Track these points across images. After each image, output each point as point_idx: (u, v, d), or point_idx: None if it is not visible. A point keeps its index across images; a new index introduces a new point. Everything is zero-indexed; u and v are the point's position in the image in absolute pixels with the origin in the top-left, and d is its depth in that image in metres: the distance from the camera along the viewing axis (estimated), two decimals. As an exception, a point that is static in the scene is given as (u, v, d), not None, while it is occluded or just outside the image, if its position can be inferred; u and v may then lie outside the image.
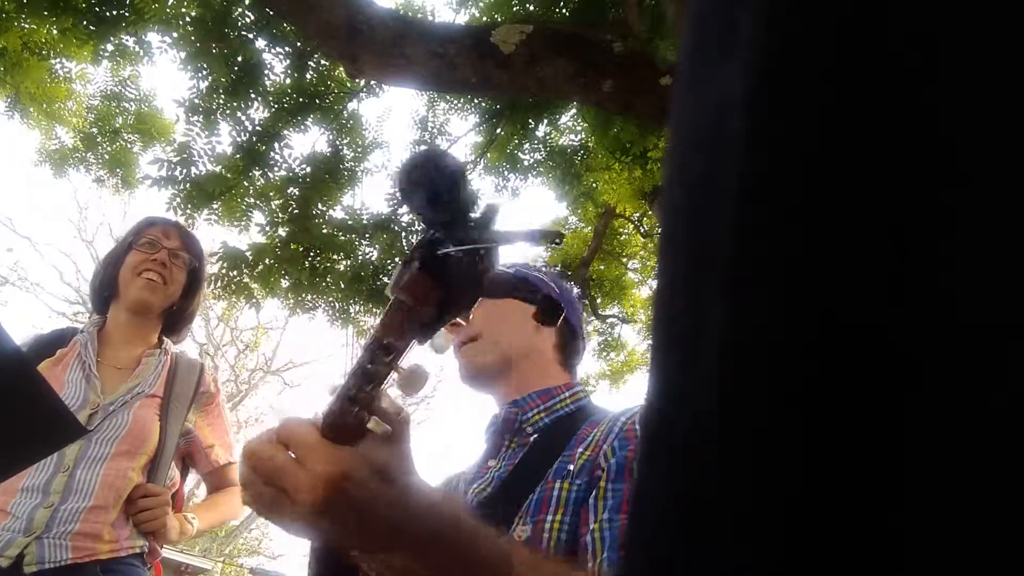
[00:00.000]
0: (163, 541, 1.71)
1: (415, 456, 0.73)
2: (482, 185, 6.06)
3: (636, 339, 8.44)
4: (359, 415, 0.66)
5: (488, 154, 5.78)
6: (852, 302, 0.18)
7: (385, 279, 5.30)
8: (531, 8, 5.07)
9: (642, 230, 7.37)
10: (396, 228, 5.29)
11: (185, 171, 4.60)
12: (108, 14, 4.37)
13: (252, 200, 5.03)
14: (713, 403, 0.19)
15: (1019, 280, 0.17)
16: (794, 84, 0.18)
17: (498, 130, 5.62)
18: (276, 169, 5.02)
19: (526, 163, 5.88)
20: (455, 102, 5.66)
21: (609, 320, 8.14)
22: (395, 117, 13.01)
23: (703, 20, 0.21)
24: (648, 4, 4.61)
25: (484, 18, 5.21)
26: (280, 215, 5.10)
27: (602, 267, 7.48)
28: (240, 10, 4.47)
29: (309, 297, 5.33)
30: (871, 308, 0.18)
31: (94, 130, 5.27)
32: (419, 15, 5.11)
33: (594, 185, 5.97)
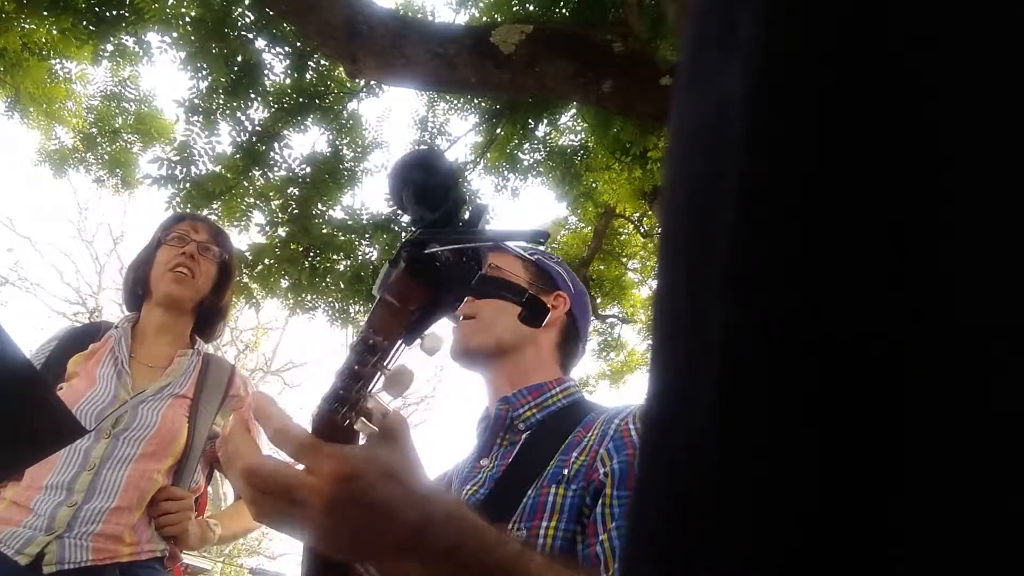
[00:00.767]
0: (183, 546, 1.69)
1: (420, 459, 0.73)
2: (482, 185, 6.06)
3: (636, 339, 8.44)
4: (346, 416, 0.65)
5: (488, 154, 5.78)
6: (852, 302, 0.18)
7: (385, 279, 5.29)
8: (531, 8, 5.07)
9: (642, 230, 7.37)
10: (396, 228, 5.29)
11: (185, 171, 4.60)
12: (108, 14, 4.37)
13: (252, 200, 5.04)
14: (713, 403, 0.19)
15: (1019, 280, 0.17)
16: (794, 84, 0.18)
17: (498, 130, 5.62)
18: (276, 169, 5.03)
19: (526, 163, 5.88)
20: (455, 102, 5.66)
21: (609, 320, 8.14)
22: (395, 117, 13.05)
23: (703, 20, 0.21)
24: (648, 4, 4.61)
25: (484, 18, 5.20)
26: (280, 215, 5.10)
27: (602, 267, 7.48)
28: (240, 10, 4.47)
29: (309, 297, 5.33)
30: (871, 308, 0.18)
31: (94, 130, 5.27)
32: (419, 15, 5.11)
33: (594, 185, 5.97)
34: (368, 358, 0.64)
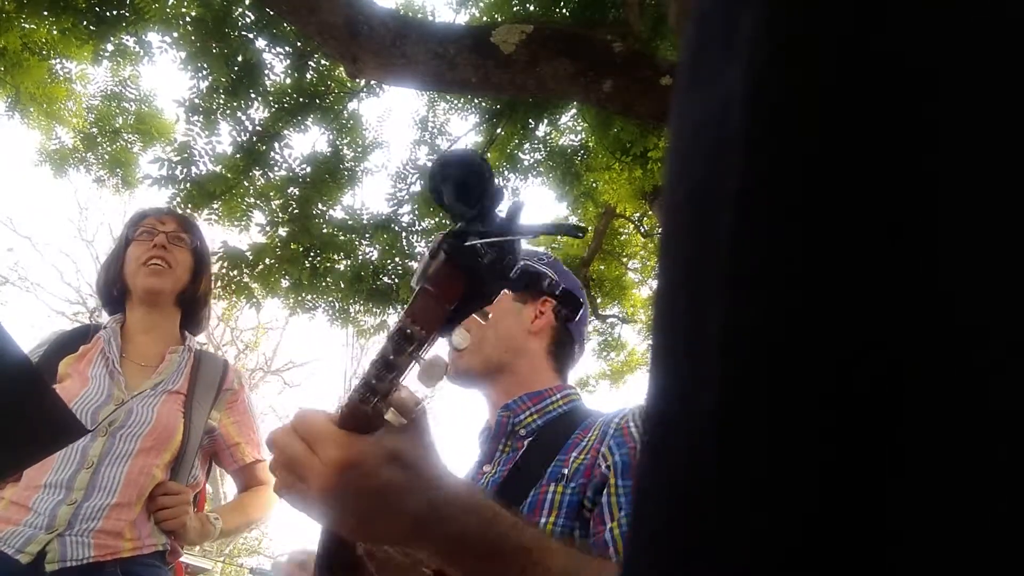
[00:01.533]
0: (183, 541, 1.69)
1: (436, 443, 0.73)
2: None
3: (636, 339, 8.44)
4: (377, 406, 0.67)
5: (488, 154, 5.77)
6: (851, 303, 0.18)
7: (385, 279, 5.30)
8: (531, 8, 5.07)
9: (642, 230, 7.37)
10: (396, 228, 5.29)
11: (185, 171, 4.60)
12: (108, 14, 4.37)
13: (252, 200, 5.03)
14: (713, 403, 0.19)
15: (1019, 281, 0.17)
16: (795, 84, 0.18)
17: (498, 130, 5.62)
18: (276, 169, 5.02)
19: (526, 163, 5.87)
20: (455, 102, 5.65)
21: (609, 320, 8.14)
22: (395, 117, 13.03)
23: (704, 20, 0.21)
24: (648, 4, 4.61)
25: (484, 18, 5.20)
26: (280, 215, 5.10)
27: (602, 267, 7.48)
28: (240, 10, 4.47)
29: (309, 297, 5.33)
30: (870, 309, 0.18)
31: (94, 130, 5.27)
32: (419, 15, 5.11)
33: (594, 185, 5.97)
34: (405, 347, 0.65)
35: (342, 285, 5.25)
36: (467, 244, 0.63)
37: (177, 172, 4.59)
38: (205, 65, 4.43)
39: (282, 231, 5.09)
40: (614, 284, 7.62)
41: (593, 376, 8.65)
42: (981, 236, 0.18)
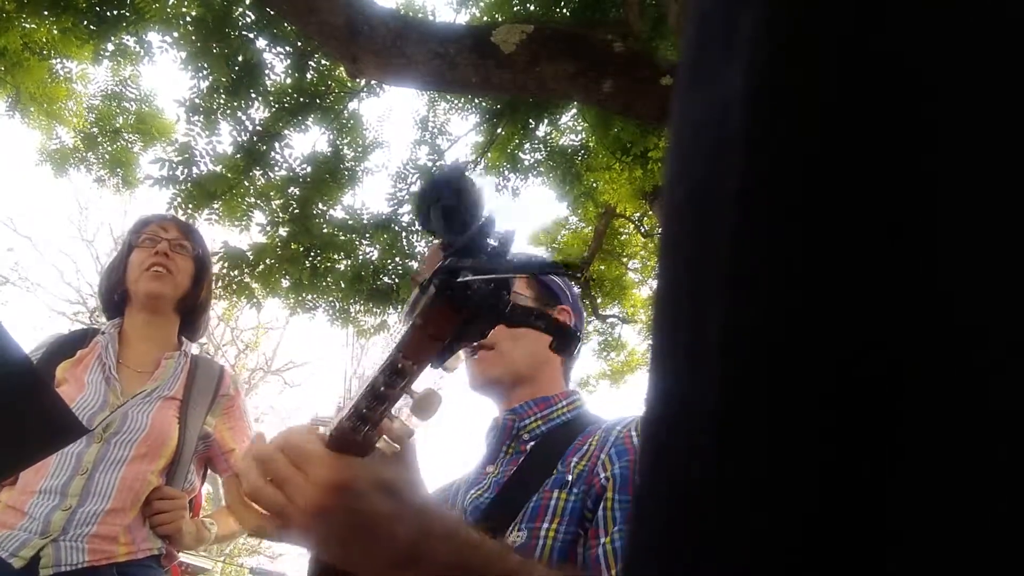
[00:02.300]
0: (178, 546, 1.70)
1: (423, 474, 0.73)
2: (482, 185, 6.05)
3: (636, 339, 8.45)
4: (368, 435, 0.66)
5: (488, 154, 5.78)
6: (851, 303, 0.18)
7: (385, 279, 5.30)
8: (532, 8, 5.07)
9: (642, 230, 7.37)
10: (396, 228, 5.29)
11: (186, 171, 4.60)
12: (108, 14, 4.37)
13: (253, 200, 5.03)
14: (713, 403, 0.19)
15: (1018, 281, 0.17)
16: (795, 84, 0.18)
17: (498, 130, 5.62)
18: (276, 169, 5.02)
19: (526, 163, 5.88)
20: (455, 102, 5.66)
21: (609, 320, 8.14)
22: (396, 117, 13.03)
23: (704, 20, 0.21)
24: (649, 4, 4.61)
25: (485, 18, 5.21)
26: (280, 215, 5.10)
27: (602, 267, 7.49)
28: (241, 10, 4.47)
29: (309, 297, 5.33)
30: (870, 309, 0.18)
31: (94, 130, 5.27)
32: (419, 15, 5.11)
33: (594, 185, 5.97)
34: (396, 381, 0.64)
35: (342, 285, 5.25)
36: (460, 281, 0.62)
37: (178, 172, 4.59)
38: (205, 65, 4.43)
39: (282, 231, 5.09)
40: (614, 284, 7.62)
41: (593, 376, 8.65)
42: (980, 236, 0.18)
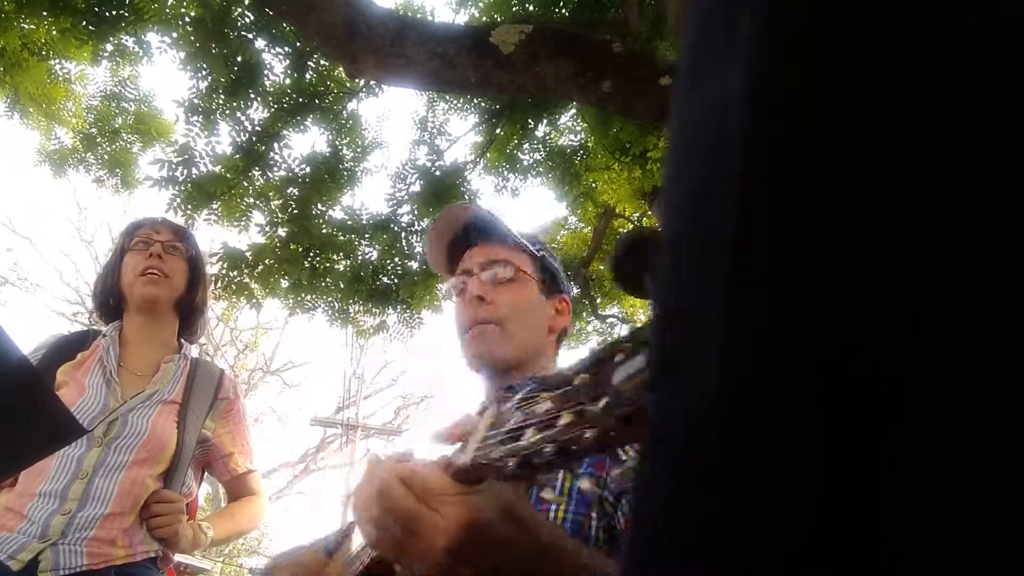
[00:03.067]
0: (175, 549, 1.70)
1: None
2: (482, 185, 6.06)
3: (636, 339, 8.42)
4: (520, 478, 0.62)
5: (488, 154, 5.77)
6: (852, 302, 0.18)
7: (385, 279, 5.30)
8: (530, 8, 5.07)
9: (642, 230, 7.37)
10: (396, 228, 5.28)
11: (185, 171, 4.60)
12: (107, 14, 4.37)
13: (252, 200, 5.03)
14: (713, 405, 0.19)
15: (1017, 282, 0.17)
16: (794, 84, 0.18)
17: (498, 130, 5.62)
18: (276, 169, 5.02)
19: (526, 163, 5.87)
20: (455, 102, 5.65)
21: (609, 320, 8.14)
22: (395, 117, 13.01)
23: (703, 21, 0.21)
24: (648, 4, 4.61)
25: (483, 18, 5.20)
26: (280, 215, 5.09)
27: (602, 267, 7.48)
28: (240, 10, 4.47)
29: (308, 297, 5.32)
30: (871, 308, 0.18)
31: (93, 130, 5.26)
32: (418, 15, 5.11)
33: (594, 185, 5.97)
34: (562, 458, 0.56)
35: (341, 285, 5.25)
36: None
37: (177, 173, 4.59)
38: (204, 65, 4.43)
39: (281, 231, 5.09)
40: (613, 284, 7.61)
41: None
42: (980, 237, 0.18)
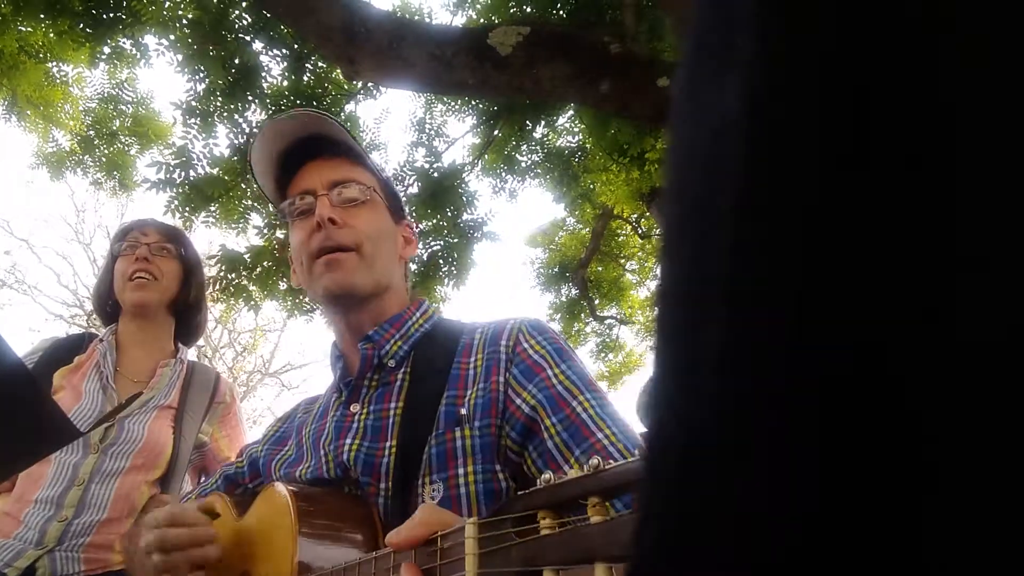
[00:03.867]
0: None
1: None
2: (480, 187, 6.07)
3: (634, 340, 8.46)
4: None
5: (486, 156, 5.78)
6: (852, 321, 0.18)
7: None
8: (528, 10, 5.08)
9: (640, 231, 7.38)
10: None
11: (183, 174, 4.60)
12: (105, 17, 4.37)
13: (249, 202, 5.03)
14: (712, 422, 0.19)
15: (1020, 296, 0.17)
16: (793, 102, 0.18)
17: (496, 132, 5.63)
18: (274, 171, 5.02)
19: (524, 164, 5.89)
20: (452, 104, 5.66)
21: (607, 321, 8.15)
22: (392, 119, 13.00)
23: (701, 38, 0.20)
24: (645, 5, 4.61)
25: (481, 20, 5.21)
26: (277, 217, 5.10)
27: (600, 268, 7.49)
28: (237, 12, 4.47)
29: (307, 299, 5.33)
30: (871, 326, 0.18)
31: (91, 133, 5.27)
32: (416, 17, 5.12)
33: (592, 186, 5.98)
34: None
35: (340, 287, 5.25)
36: None
37: (174, 175, 4.59)
38: (202, 67, 4.43)
39: (279, 233, 5.09)
40: (612, 285, 7.62)
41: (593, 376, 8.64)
42: (984, 246, 0.18)
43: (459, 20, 5.55)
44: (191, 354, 1.92)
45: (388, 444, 0.94)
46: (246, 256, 4.95)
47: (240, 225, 4.99)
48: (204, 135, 4.63)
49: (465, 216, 5.38)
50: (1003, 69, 0.18)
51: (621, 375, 8.55)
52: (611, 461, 0.48)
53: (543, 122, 5.73)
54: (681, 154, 0.21)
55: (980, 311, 0.17)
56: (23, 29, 4.49)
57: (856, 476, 0.18)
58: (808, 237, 0.18)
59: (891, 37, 0.17)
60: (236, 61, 4.50)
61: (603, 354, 8.28)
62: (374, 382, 1.03)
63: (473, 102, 5.47)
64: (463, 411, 0.91)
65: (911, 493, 0.17)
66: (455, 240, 5.38)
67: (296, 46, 4.66)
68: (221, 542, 0.93)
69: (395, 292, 1.09)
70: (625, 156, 4.95)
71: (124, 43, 4.67)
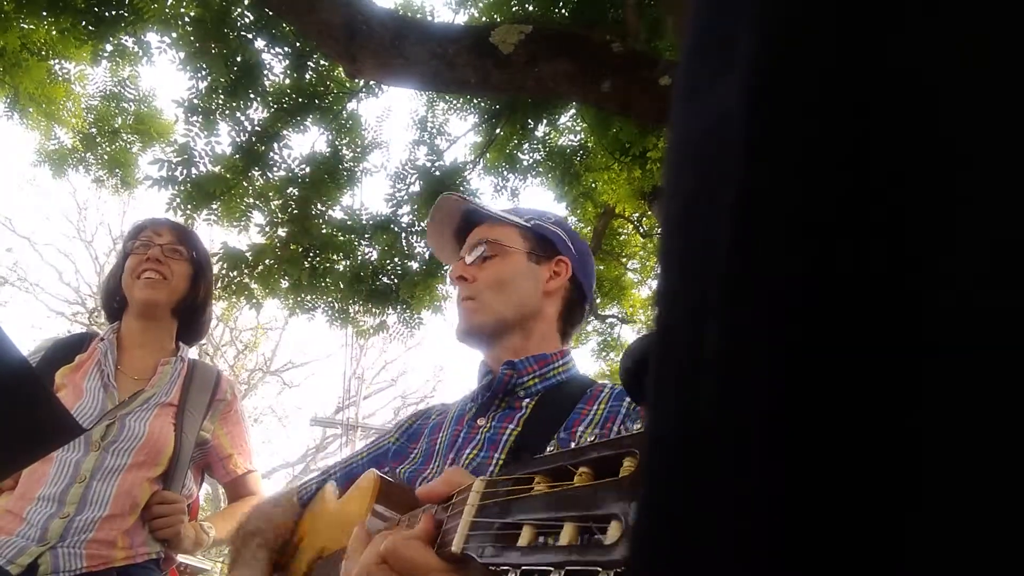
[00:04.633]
0: (177, 550, 1.70)
1: None
2: (481, 185, 6.07)
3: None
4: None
5: (487, 154, 5.78)
6: (853, 316, 0.18)
7: (385, 279, 5.30)
8: (530, 8, 5.07)
9: (641, 230, 7.37)
10: (395, 228, 5.29)
11: (185, 172, 4.60)
12: (107, 14, 4.37)
13: (251, 200, 5.03)
14: (710, 422, 0.19)
15: (1018, 295, 0.17)
16: (793, 98, 0.18)
17: (497, 130, 5.62)
18: (275, 169, 5.02)
19: (525, 163, 5.88)
20: (454, 102, 5.65)
21: (609, 320, 8.14)
22: (394, 117, 13.00)
23: (702, 35, 0.20)
24: (647, 4, 4.61)
25: (483, 18, 5.20)
26: (279, 215, 5.09)
27: (601, 267, 7.48)
28: (239, 10, 4.47)
29: (308, 297, 5.33)
30: (872, 322, 0.18)
31: (93, 130, 5.27)
32: (418, 15, 5.11)
33: (593, 185, 5.97)
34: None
35: (341, 285, 5.25)
36: None
37: (176, 173, 4.59)
38: (204, 65, 4.43)
39: (281, 231, 5.09)
40: (613, 284, 7.61)
41: (593, 376, 8.63)
42: (985, 248, 0.18)
43: (461, 18, 5.55)
44: (192, 352, 1.92)
45: (497, 456, 1.06)
46: (248, 254, 4.95)
47: (242, 223, 4.99)
48: (206, 133, 4.63)
49: (467, 215, 5.35)
50: (1003, 69, 0.18)
51: (622, 374, 8.53)
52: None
53: (545, 121, 5.72)
54: (681, 153, 0.21)
55: (980, 311, 0.18)
56: (25, 26, 4.49)
57: (856, 476, 0.18)
58: (808, 236, 0.18)
59: (891, 37, 0.17)
60: (238, 59, 4.50)
61: (604, 353, 8.27)
62: (503, 403, 1.15)
63: (475, 101, 5.47)
64: (572, 444, 0.99)
65: (910, 493, 0.17)
66: (457, 239, 5.35)
67: (298, 44, 4.66)
68: (320, 523, 1.07)
69: (538, 322, 1.21)
70: (627, 155, 4.95)
71: (126, 41, 4.67)
